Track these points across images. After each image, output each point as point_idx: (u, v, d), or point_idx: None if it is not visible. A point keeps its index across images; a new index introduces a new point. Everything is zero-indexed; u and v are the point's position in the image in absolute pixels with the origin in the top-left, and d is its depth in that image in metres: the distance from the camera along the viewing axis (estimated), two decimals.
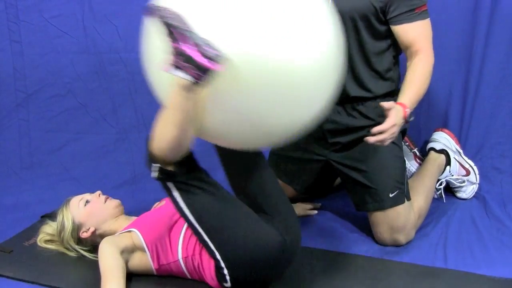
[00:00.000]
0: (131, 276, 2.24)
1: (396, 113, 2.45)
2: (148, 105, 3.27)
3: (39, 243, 2.56)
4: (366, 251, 2.47)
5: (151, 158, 1.95)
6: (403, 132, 2.79)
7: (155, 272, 2.29)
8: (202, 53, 1.69)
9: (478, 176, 2.89)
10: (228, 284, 2.14)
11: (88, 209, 2.47)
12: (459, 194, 2.88)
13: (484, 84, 3.07)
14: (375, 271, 2.27)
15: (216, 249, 2.10)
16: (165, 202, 2.47)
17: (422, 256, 2.38)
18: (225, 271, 2.12)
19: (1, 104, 3.36)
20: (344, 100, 2.69)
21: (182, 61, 1.72)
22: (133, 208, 2.60)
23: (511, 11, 2.95)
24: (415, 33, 2.58)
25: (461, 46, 3.06)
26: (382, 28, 2.61)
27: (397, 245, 2.50)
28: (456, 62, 3.08)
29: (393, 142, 2.58)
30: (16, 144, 3.37)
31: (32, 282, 2.32)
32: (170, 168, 1.98)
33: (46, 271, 2.38)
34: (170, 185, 2.02)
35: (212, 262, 2.15)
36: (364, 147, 2.65)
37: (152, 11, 1.76)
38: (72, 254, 2.47)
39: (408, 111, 2.50)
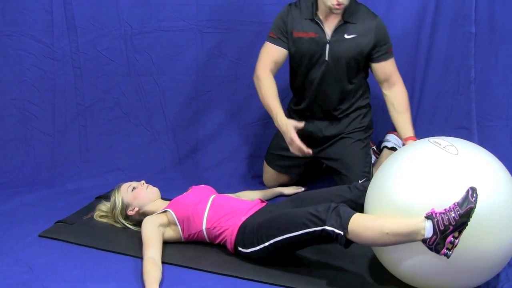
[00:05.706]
0: (164, 244, 2.30)
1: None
2: (175, 115, 3.40)
3: (95, 218, 2.62)
4: None
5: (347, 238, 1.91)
6: (370, 135, 2.94)
7: (183, 240, 2.37)
8: (449, 246, 1.68)
9: None
10: (258, 247, 2.15)
11: (134, 193, 2.51)
12: None
13: (424, 99, 3.21)
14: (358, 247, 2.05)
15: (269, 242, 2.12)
16: (191, 190, 2.56)
17: None
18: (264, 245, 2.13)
19: (66, 114, 3.33)
20: (331, 117, 2.86)
21: (438, 238, 1.68)
22: (162, 190, 2.60)
23: (441, 45, 3.13)
24: (390, 68, 2.76)
25: (408, 71, 3.14)
26: (363, 62, 2.78)
27: None
28: (404, 83, 2.96)
29: (362, 142, 2.78)
30: (76, 143, 3.34)
31: (89, 246, 2.39)
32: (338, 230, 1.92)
33: (99, 238, 2.45)
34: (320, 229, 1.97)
35: (234, 234, 2.22)
36: (341, 146, 2.85)
37: (471, 195, 1.63)
38: (119, 226, 2.54)
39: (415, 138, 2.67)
